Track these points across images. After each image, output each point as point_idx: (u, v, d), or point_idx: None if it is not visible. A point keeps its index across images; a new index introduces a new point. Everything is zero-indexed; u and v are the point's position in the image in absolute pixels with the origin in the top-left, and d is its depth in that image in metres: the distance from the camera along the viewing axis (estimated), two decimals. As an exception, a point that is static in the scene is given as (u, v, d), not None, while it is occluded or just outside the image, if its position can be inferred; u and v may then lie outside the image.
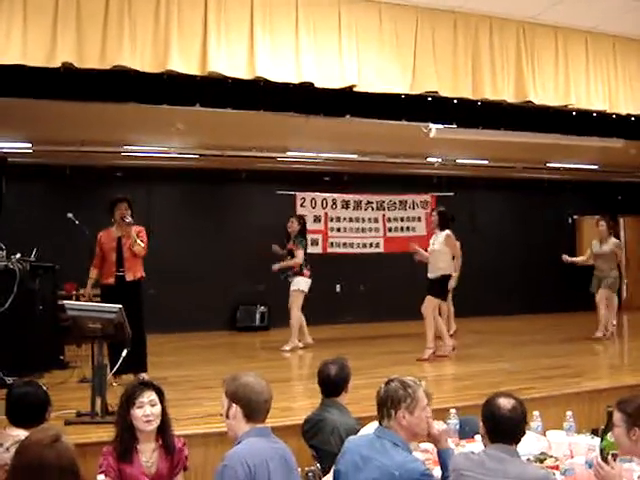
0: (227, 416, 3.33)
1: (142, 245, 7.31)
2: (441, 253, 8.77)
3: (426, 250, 9.02)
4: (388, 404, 3.46)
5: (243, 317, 12.57)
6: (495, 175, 14.20)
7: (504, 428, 3.18)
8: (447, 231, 8.83)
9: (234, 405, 3.31)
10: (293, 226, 10.04)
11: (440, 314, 9.39)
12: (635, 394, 3.59)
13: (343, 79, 6.48)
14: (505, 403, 3.20)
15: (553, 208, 15.25)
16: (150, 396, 3.97)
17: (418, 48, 6.76)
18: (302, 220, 10.35)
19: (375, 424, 3.98)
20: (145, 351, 7.29)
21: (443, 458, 3.56)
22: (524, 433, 3.26)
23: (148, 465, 3.90)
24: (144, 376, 6.66)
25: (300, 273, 9.83)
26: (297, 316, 9.87)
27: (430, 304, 8.78)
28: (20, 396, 3.98)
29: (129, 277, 7.31)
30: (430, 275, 8.86)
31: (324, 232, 12.16)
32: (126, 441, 3.89)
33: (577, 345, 9.74)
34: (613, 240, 10.46)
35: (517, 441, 3.21)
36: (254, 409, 3.35)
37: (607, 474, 3.19)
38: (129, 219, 7.28)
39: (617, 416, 3.36)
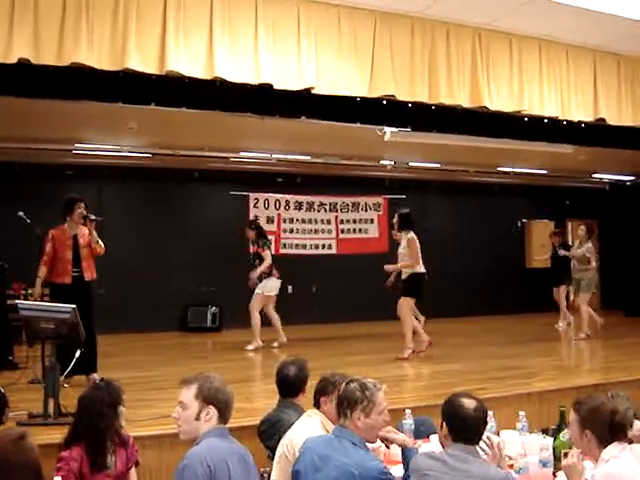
0: (197, 418, 3.30)
1: (102, 245, 7.26)
2: (404, 255, 8.90)
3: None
4: (344, 404, 3.49)
5: (194, 318, 12.47)
6: (447, 178, 14.38)
7: (469, 428, 3.21)
8: (410, 234, 8.90)
9: (211, 408, 3.30)
10: (250, 234, 10.11)
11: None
12: (591, 395, 3.65)
13: (302, 81, 6.48)
14: (469, 403, 3.24)
15: (503, 211, 15.48)
16: None
17: (376, 52, 6.79)
18: (254, 224, 10.40)
19: (311, 413, 4.06)
20: (96, 352, 7.20)
21: (408, 457, 3.55)
22: (484, 433, 3.30)
23: (110, 465, 3.88)
24: (95, 377, 6.60)
25: (270, 275, 9.92)
26: (256, 317, 9.90)
27: (405, 305, 8.87)
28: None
29: (87, 277, 7.22)
30: (402, 276, 9.00)
31: (277, 233, 12.19)
32: (105, 447, 3.88)
33: (528, 346, 9.90)
34: (587, 245, 10.93)
35: (478, 441, 3.25)
36: (230, 410, 3.40)
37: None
38: (92, 216, 7.21)
39: (572, 416, 3.42)
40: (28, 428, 4.97)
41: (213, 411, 3.30)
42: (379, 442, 3.85)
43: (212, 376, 3.43)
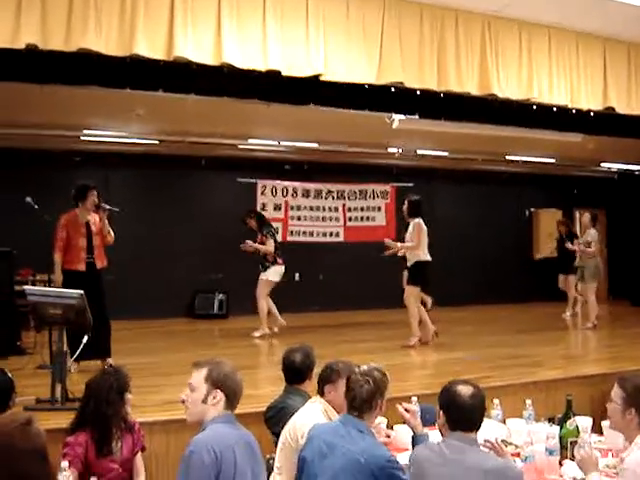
0: (204, 401, 3.31)
1: (113, 235, 7.26)
2: (409, 240, 8.91)
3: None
4: (377, 395, 3.45)
5: (201, 304, 12.52)
6: (454, 166, 14.31)
7: (465, 415, 3.17)
8: (417, 219, 8.90)
9: (219, 392, 3.30)
10: (251, 223, 10.14)
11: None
12: (637, 373, 3.56)
13: (310, 67, 6.45)
14: (465, 390, 3.18)
15: (511, 200, 15.43)
16: None
17: (384, 39, 6.75)
18: (255, 213, 10.45)
19: (314, 399, 4.06)
20: (110, 337, 7.20)
21: (418, 444, 3.54)
22: (482, 420, 3.25)
23: (115, 451, 3.90)
24: (110, 361, 6.63)
25: (275, 262, 9.92)
26: (263, 304, 9.92)
27: (409, 293, 8.90)
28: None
29: (99, 264, 7.23)
30: (408, 264, 9.01)
31: (284, 220, 12.14)
32: (111, 434, 3.90)
33: (535, 335, 9.90)
34: (591, 232, 10.93)
35: (477, 429, 3.20)
36: (237, 397, 3.40)
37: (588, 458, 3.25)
38: (107, 206, 7.21)
39: (616, 392, 3.34)
40: (35, 413, 5.01)
41: (220, 395, 3.30)
42: (380, 418, 3.88)
43: (224, 362, 3.44)
